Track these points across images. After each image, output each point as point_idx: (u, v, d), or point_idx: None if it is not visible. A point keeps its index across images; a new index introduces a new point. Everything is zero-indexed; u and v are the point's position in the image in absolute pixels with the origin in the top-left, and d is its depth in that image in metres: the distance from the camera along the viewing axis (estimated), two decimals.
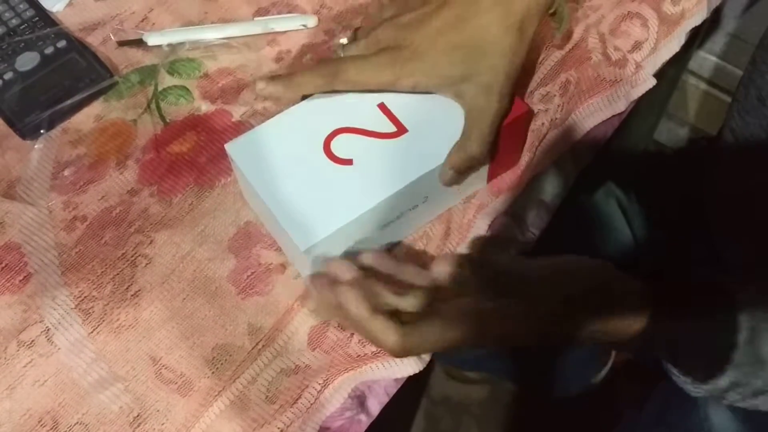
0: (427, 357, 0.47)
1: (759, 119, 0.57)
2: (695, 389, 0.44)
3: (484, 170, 0.51)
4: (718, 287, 0.43)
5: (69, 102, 0.55)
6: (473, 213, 0.51)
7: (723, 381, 0.41)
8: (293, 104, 0.49)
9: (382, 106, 0.48)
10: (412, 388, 1.06)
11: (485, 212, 0.52)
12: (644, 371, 0.59)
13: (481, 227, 0.51)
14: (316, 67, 0.47)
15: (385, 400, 0.48)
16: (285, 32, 0.60)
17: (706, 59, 1.04)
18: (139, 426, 0.44)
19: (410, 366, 0.46)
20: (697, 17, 0.61)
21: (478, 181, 0.51)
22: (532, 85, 0.57)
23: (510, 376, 0.95)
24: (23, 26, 0.59)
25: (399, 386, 0.48)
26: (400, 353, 0.40)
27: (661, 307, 0.42)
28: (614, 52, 0.58)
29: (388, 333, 0.39)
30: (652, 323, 0.42)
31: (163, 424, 0.44)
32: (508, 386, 1.06)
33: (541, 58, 0.57)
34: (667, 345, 0.44)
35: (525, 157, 0.54)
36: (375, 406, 0.47)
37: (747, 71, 0.60)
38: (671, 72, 1.02)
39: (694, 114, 1.13)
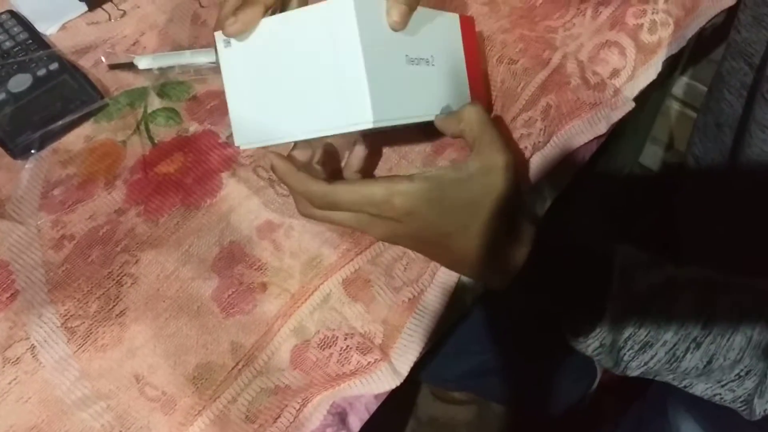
0: (403, 373, 0.48)
1: (717, 145, 0.59)
2: (588, 348, 0.45)
3: (464, 85, 0.50)
4: (599, 246, 0.46)
5: (60, 123, 0.56)
6: None
7: (604, 324, 0.43)
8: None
9: None
10: (399, 409, 1.08)
11: None
12: (624, 390, 0.59)
13: None
14: None
15: (366, 416, 0.48)
16: None
17: (689, 85, 1.06)
18: None
19: (386, 382, 0.47)
20: (673, 46, 0.63)
21: (461, 93, 0.50)
22: (515, 111, 0.58)
23: (497, 397, 0.96)
24: (17, 48, 0.60)
25: (379, 403, 0.49)
26: (319, 203, 0.43)
27: (543, 245, 0.45)
28: (593, 76, 0.59)
29: (309, 182, 0.42)
30: (533, 256, 0.44)
31: None
32: (494, 407, 1.06)
33: (521, 85, 0.58)
34: (548, 286, 0.46)
35: None
36: (356, 423, 0.48)
37: (705, 99, 0.62)
38: (654, 97, 1.04)
39: (679, 138, 1.15)
